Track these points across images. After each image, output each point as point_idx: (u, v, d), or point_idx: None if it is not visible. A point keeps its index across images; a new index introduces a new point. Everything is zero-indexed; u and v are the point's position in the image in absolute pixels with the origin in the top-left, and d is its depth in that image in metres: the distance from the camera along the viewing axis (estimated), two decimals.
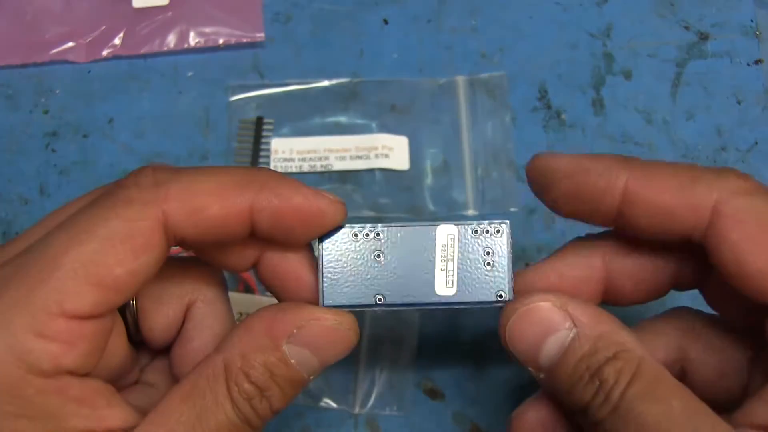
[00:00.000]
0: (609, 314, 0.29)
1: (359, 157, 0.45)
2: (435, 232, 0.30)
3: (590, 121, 0.45)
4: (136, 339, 0.31)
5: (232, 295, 0.36)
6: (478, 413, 0.41)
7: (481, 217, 0.44)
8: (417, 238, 0.30)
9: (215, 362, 0.28)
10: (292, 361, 0.28)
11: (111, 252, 0.26)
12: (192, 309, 0.31)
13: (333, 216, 0.29)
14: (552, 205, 0.30)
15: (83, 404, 0.26)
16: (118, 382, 0.31)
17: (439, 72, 0.46)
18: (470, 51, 0.47)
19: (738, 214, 0.27)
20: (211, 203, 0.27)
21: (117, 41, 0.46)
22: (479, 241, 0.30)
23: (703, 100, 0.46)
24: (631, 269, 0.31)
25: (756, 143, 0.45)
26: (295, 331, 0.28)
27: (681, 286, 0.32)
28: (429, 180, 0.44)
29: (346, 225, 0.30)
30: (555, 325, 0.28)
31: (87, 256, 0.26)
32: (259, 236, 0.29)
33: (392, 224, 0.30)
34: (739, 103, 0.46)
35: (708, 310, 0.32)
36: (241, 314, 0.41)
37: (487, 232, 0.30)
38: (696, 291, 0.32)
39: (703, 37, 0.47)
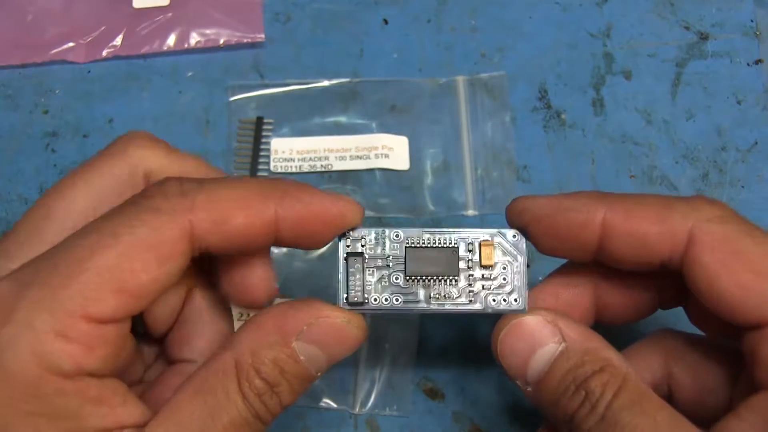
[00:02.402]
0: (597, 334, 0.30)
1: (359, 157, 0.45)
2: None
3: (590, 121, 0.45)
4: (139, 329, 0.32)
5: None
6: (478, 413, 0.41)
7: (480, 218, 0.44)
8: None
9: (225, 359, 0.28)
10: (302, 357, 0.28)
11: (137, 258, 0.26)
12: (191, 294, 0.32)
13: (352, 217, 0.30)
14: (532, 243, 0.31)
15: (101, 404, 0.26)
16: (123, 378, 0.32)
17: (439, 72, 0.46)
18: (470, 51, 0.47)
19: (710, 240, 0.28)
20: (237, 213, 0.28)
21: (117, 41, 0.46)
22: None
23: (703, 100, 0.46)
24: (618, 292, 0.33)
25: (756, 143, 0.45)
26: (305, 328, 0.29)
27: (666, 305, 0.33)
28: (429, 180, 0.44)
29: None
30: (544, 338, 0.29)
31: (112, 262, 0.26)
32: (281, 243, 0.30)
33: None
34: (739, 103, 0.46)
35: (692, 329, 0.33)
36: (241, 314, 0.41)
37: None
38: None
39: (703, 37, 0.47)
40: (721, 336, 0.31)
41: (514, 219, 0.32)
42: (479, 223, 0.44)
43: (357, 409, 0.40)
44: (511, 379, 0.30)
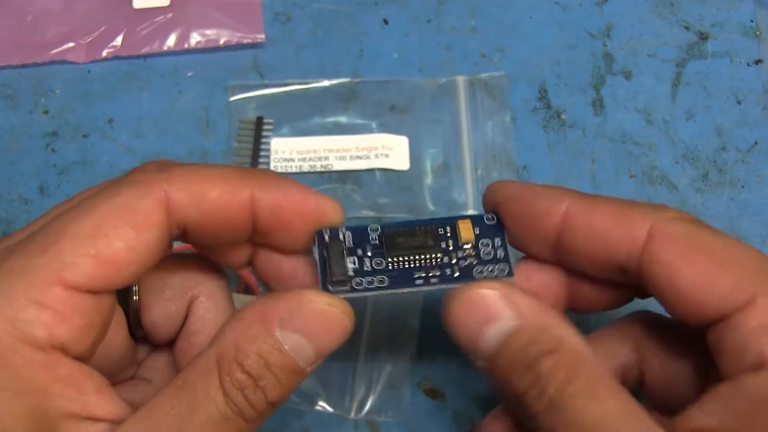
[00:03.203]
0: (554, 310, 0.29)
1: (359, 157, 0.45)
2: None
3: (590, 121, 0.45)
4: (137, 334, 0.31)
5: (232, 296, 0.36)
6: (478, 413, 0.40)
7: (480, 218, 0.44)
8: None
9: (207, 355, 0.27)
10: (286, 347, 0.27)
11: (112, 225, 0.26)
12: (194, 304, 0.32)
13: (330, 213, 0.30)
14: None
15: (70, 385, 0.26)
16: (116, 376, 0.31)
17: (439, 72, 0.46)
18: (470, 51, 0.47)
19: (670, 237, 0.28)
20: (212, 187, 0.28)
21: (117, 41, 0.46)
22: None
23: (703, 100, 0.46)
24: (591, 280, 0.32)
25: (756, 143, 0.45)
26: (287, 315, 0.27)
27: (642, 295, 0.32)
28: (429, 180, 0.44)
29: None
30: (497, 313, 0.28)
31: (88, 229, 0.26)
32: (259, 231, 0.29)
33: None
34: (739, 103, 0.46)
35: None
36: None
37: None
38: None
39: (703, 37, 0.47)
40: (693, 326, 0.31)
41: (488, 198, 0.32)
42: None
43: (353, 414, 0.40)
44: (465, 353, 0.29)
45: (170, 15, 0.47)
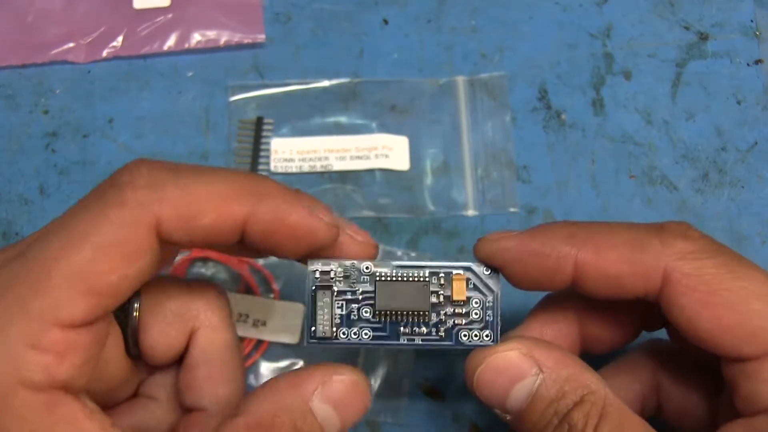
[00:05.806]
0: (573, 356, 0.30)
1: (359, 157, 0.45)
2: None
3: (590, 121, 0.45)
4: (133, 353, 0.31)
5: (231, 295, 0.36)
6: (478, 413, 0.41)
7: (480, 218, 0.44)
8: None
9: (245, 423, 0.27)
10: (318, 418, 0.28)
11: (104, 260, 0.26)
12: (197, 334, 0.31)
13: (324, 238, 0.29)
14: (506, 280, 0.31)
15: (73, 425, 0.25)
16: (115, 393, 0.31)
17: (439, 72, 0.46)
18: (470, 51, 0.47)
19: (686, 281, 0.28)
20: (207, 211, 0.27)
21: (117, 42, 0.46)
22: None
23: (703, 100, 0.46)
24: (601, 322, 0.33)
25: (756, 143, 0.45)
26: (320, 387, 0.28)
27: (650, 328, 0.34)
28: (429, 180, 0.44)
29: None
30: (522, 372, 0.29)
31: (80, 265, 0.25)
32: (246, 244, 0.29)
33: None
34: (739, 103, 0.46)
35: None
36: (240, 315, 0.41)
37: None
38: None
39: (703, 37, 0.47)
40: (702, 356, 0.31)
41: (485, 255, 0.31)
42: (479, 223, 0.44)
43: None
44: (490, 408, 0.30)
45: (170, 15, 0.47)
